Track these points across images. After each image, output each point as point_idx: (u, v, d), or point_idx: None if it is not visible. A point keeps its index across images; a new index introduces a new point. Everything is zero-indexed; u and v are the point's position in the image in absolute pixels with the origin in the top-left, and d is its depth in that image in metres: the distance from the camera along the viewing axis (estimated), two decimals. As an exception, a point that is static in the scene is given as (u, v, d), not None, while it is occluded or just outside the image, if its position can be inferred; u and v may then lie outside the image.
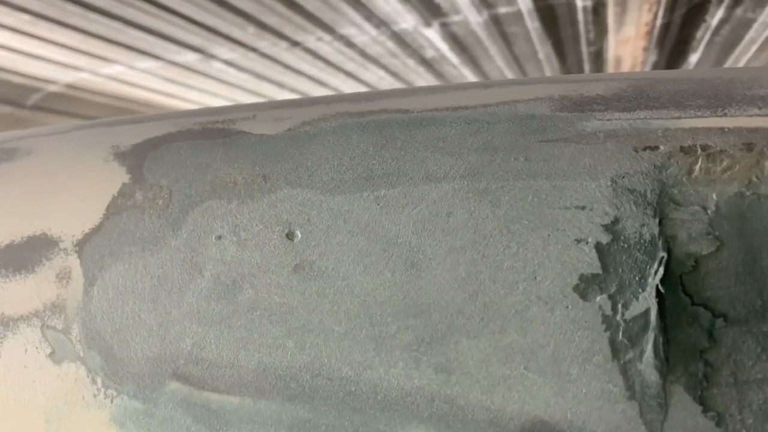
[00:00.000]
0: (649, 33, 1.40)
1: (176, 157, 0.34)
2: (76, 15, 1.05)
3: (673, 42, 1.43)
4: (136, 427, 0.31)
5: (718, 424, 0.24)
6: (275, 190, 0.31)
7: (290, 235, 0.30)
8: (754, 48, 1.36)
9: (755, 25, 1.27)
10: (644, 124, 0.28)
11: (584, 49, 1.50)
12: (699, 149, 0.27)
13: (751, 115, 0.27)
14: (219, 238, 0.31)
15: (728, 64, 1.45)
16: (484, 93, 0.32)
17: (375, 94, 0.34)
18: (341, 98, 0.34)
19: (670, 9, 1.27)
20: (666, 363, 0.25)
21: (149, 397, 0.31)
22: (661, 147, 0.27)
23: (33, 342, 0.33)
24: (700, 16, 1.28)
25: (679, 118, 0.28)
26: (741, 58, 1.42)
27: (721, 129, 0.27)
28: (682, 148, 0.27)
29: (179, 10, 1.10)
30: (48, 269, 0.34)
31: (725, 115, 0.27)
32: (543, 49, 1.47)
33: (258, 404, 0.29)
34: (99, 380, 0.32)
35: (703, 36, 1.37)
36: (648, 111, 0.28)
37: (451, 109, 0.31)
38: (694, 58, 1.49)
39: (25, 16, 0.99)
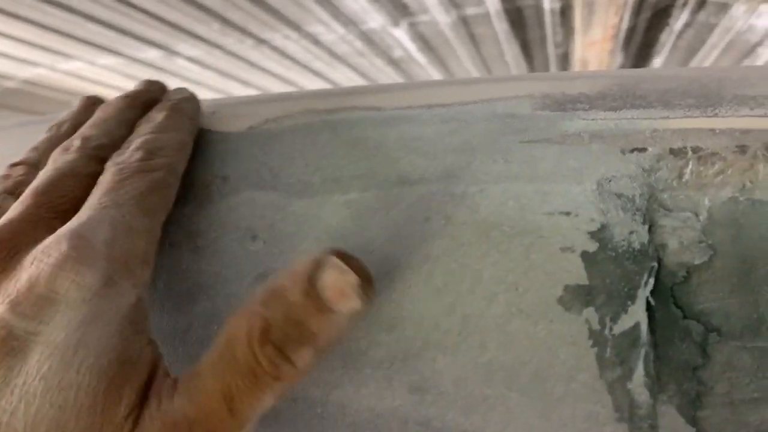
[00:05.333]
0: (615, 36, 1.41)
1: None
2: (33, 8, 1.01)
3: (638, 45, 1.44)
4: None
5: (713, 447, 0.23)
6: (235, 193, 0.29)
7: (252, 242, 0.28)
8: (716, 53, 1.38)
9: (717, 30, 1.28)
10: (631, 125, 0.26)
11: (551, 51, 1.51)
12: (690, 151, 0.25)
13: (743, 116, 0.26)
14: (172, 245, 0.29)
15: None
16: (461, 90, 0.30)
17: (344, 91, 0.32)
18: (308, 95, 0.32)
19: (636, 12, 1.28)
20: (657, 381, 0.23)
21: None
22: (650, 149, 0.25)
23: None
24: (665, 20, 1.29)
25: (668, 118, 0.26)
26: (704, 61, 1.44)
27: (712, 130, 0.25)
28: (671, 150, 0.25)
29: (141, 6, 1.06)
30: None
31: (716, 115, 0.26)
32: (510, 51, 1.47)
33: (215, 427, 0.27)
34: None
35: (667, 39, 1.39)
36: (635, 110, 0.27)
37: (426, 107, 0.29)
38: (658, 62, 1.50)
39: (-20, 9, 0.95)
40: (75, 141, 0.29)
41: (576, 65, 1.58)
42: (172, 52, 1.27)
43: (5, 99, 1.37)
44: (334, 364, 0.26)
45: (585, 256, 0.24)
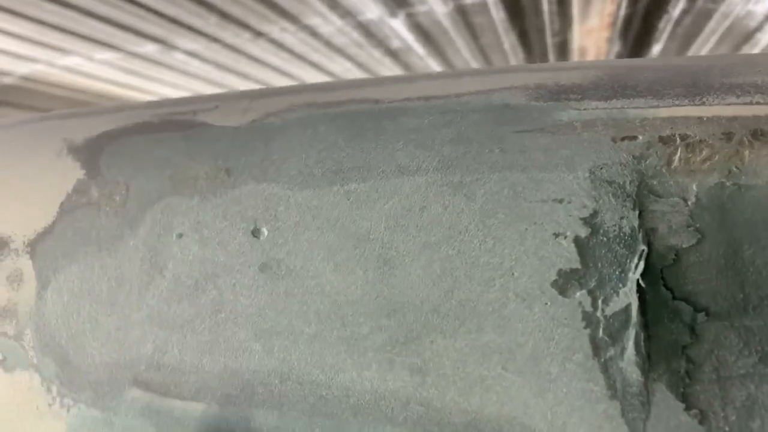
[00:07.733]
0: (613, 24, 1.41)
1: (134, 151, 0.32)
2: (30, 5, 1.01)
3: (636, 33, 1.44)
4: None
5: (701, 422, 0.24)
6: (239, 185, 0.30)
7: (256, 233, 0.29)
8: (714, 39, 1.38)
9: (715, 16, 1.28)
10: (621, 114, 0.27)
11: (549, 40, 1.51)
12: (678, 139, 0.26)
13: (729, 104, 0.26)
14: (180, 236, 0.30)
15: (690, 54, 1.47)
16: (456, 82, 0.30)
17: (343, 84, 0.33)
18: (308, 88, 0.33)
19: (633, 0, 1.28)
20: (648, 360, 0.24)
21: (108, 405, 0.29)
22: (640, 137, 0.26)
23: (-19, 350, 0.31)
24: (662, 6, 1.29)
25: (657, 107, 0.27)
26: (702, 48, 1.44)
27: (700, 118, 0.26)
28: (660, 138, 0.26)
29: (139, 0, 1.07)
30: (-3, 272, 0.32)
31: (703, 103, 0.27)
32: (508, 40, 1.47)
33: (225, 411, 0.28)
34: (54, 389, 0.30)
35: (665, 27, 1.39)
36: (625, 100, 0.27)
37: (423, 99, 0.30)
38: (657, 49, 1.50)
39: (-23, 6, 0.96)
40: None
41: (574, 54, 1.58)
42: (170, 46, 1.27)
43: (4, 95, 1.37)
44: (337, 349, 0.27)
45: (577, 241, 0.25)
